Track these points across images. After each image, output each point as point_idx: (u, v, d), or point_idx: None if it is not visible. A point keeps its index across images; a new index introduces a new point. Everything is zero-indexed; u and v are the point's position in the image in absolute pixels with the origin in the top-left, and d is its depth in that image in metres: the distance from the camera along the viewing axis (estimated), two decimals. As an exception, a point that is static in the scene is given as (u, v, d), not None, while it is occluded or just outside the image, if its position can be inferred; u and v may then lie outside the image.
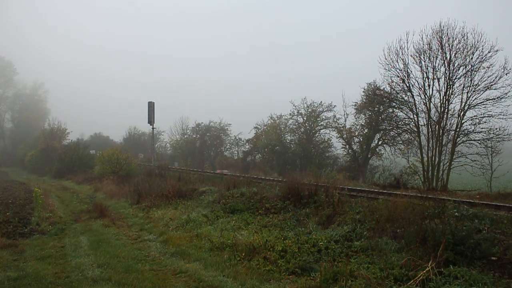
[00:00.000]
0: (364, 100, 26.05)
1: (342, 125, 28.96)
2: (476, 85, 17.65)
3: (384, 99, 23.11)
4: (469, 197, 11.99)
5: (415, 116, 20.07)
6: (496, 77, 17.11)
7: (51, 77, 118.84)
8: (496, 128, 17.83)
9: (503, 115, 17.30)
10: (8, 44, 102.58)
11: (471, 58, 17.55)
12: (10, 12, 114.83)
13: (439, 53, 18.29)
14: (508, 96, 17.04)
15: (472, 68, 17.59)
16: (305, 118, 32.01)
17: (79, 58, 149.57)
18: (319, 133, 32.32)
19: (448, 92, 18.43)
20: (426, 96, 19.13)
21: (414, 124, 20.38)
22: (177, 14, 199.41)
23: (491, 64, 17.22)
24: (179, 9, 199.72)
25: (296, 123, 32.54)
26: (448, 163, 18.58)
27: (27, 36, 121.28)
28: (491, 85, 17.28)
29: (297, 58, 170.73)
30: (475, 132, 18.42)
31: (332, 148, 31.71)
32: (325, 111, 31.32)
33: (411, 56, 19.09)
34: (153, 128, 32.26)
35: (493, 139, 18.04)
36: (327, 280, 6.42)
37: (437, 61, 18.44)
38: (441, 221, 7.74)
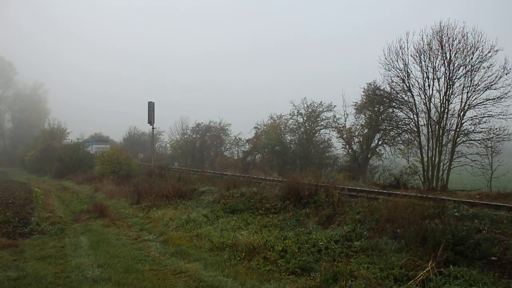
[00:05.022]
0: (364, 100, 26.02)
1: (342, 125, 28.94)
2: (476, 85, 17.67)
3: (384, 99, 23.11)
4: (469, 197, 11.99)
5: (415, 116, 20.08)
6: (496, 77, 17.13)
7: (52, 75, 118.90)
8: (496, 128, 17.83)
9: (503, 115, 17.31)
10: (8, 41, 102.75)
11: (471, 58, 17.56)
12: (12, 8, 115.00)
13: (439, 53, 18.30)
14: (508, 96, 17.05)
15: (472, 68, 17.59)
16: (305, 118, 31.96)
17: (79, 56, 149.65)
18: (319, 133, 32.26)
19: (448, 92, 18.43)
20: (426, 96, 19.15)
21: (414, 124, 20.38)
22: (178, 12, 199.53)
23: (491, 64, 17.24)
24: (180, 8, 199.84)
25: (296, 123, 32.49)
26: (448, 163, 18.58)
27: (29, 33, 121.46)
28: (491, 85, 17.28)
29: (298, 57, 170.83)
30: (475, 132, 18.43)
31: (332, 148, 31.65)
32: (325, 111, 31.26)
33: (411, 56, 19.12)
34: (153, 128, 32.30)
35: (493, 139, 18.02)
36: (327, 280, 6.42)
37: (437, 61, 18.47)
38: (441, 221, 7.73)
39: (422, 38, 18.69)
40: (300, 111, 31.76)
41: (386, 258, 7.12)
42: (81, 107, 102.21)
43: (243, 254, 8.28)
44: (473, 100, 17.89)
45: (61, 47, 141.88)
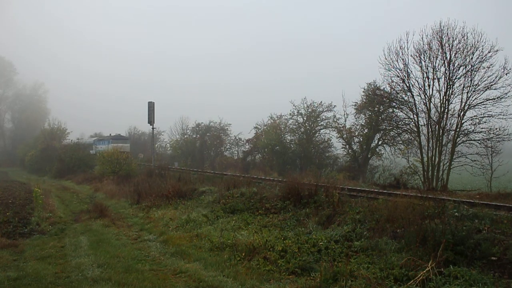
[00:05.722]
0: (364, 100, 26.02)
1: (342, 125, 28.95)
2: (476, 85, 17.65)
3: (384, 99, 23.10)
4: (469, 197, 12.00)
5: (415, 116, 20.07)
6: (496, 77, 17.10)
7: (52, 75, 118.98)
8: (496, 128, 17.81)
9: (503, 115, 17.29)
10: (8, 41, 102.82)
11: (471, 58, 17.54)
12: (12, 8, 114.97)
13: (439, 53, 18.28)
14: (508, 96, 17.03)
15: (472, 68, 17.58)
16: (305, 118, 31.96)
17: (80, 56, 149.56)
18: (319, 133, 32.26)
19: (448, 92, 18.42)
20: (426, 96, 19.13)
21: (414, 124, 20.37)
22: (178, 13, 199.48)
23: (491, 64, 17.21)
24: (180, 8, 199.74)
25: (296, 123, 32.49)
26: (448, 163, 18.57)
27: (29, 33, 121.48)
28: (491, 85, 17.27)
29: (298, 57, 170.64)
30: (475, 132, 18.42)
31: (332, 148, 31.63)
32: (325, 111, 31.26)
33: (411, 56, 19.09)
34: (153, 128, 32.25)
35: (493, 139, 18.01)
36: (327, 280, 6.42)
37: (437, 61, 18.44)
38: (441, 221, 7.73)
39: (422, 38, 18.71)
40: (300, 111, 31.79)
41: (386, 258, 7.12)
42: (81, 107, 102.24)
43: (243, 254, 8.28)
44: (473, 100, 17.90)
45: (61, 47, 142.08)
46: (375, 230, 8.55)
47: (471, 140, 18.58)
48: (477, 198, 11.24)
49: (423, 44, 18.65)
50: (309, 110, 31.60)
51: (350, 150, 28.10)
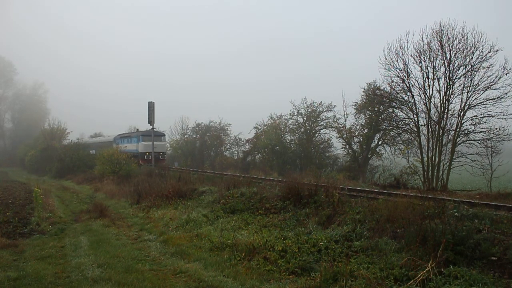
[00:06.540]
0: (364, 100, 26.03)
1: (342, 125, 28.95)
2: (476, 85, 17.66)
3: (384, 99, 23.11)
4: (469, 197, 12.00)
5: (415, 116, 20.08)
6: (496, 77, 17.11)
7: (52, 75, 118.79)
8: (496, 128, 17.82)
9: (503, 115, 17.29)
10: (8, 41, 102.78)
11: (471, 58, 17.55)
12: (12, 8, 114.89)
13: (439, 53, 18.29)
14: (508, 96, 17.03)
15: (472, 68, 17.58)
16: (305, 118, 31.97)
17: (80, 56, 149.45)
18: (319, 133, 32.27)
19: (448, 92, 18.42)
20: (426, 96, 19.14)
21: (414, 124, 20.38)
22: (178, 11, 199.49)
23: (491, 64, 17.22)
24: (181, 6, 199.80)
25: (296, 123, 32.50)
26: (448, 163, 18.57)
27: (29, 33, 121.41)
28: (491, 85, 17.27)
29: (298, 57, 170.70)
30: (475, 132, 18.42)
31: (332, 148, 31.67)
32: (325, 111, 31.27)
33: (411, 56, 19.10)
34: (153, 128, 32.27)
35: (493, 139, 18.02)
36: (327, 280, 6.42)
37: (437, 61, 18.45)
38: (441, 221, 7.74)
39: (422, 38, 18.72)
40: (300, 111, 31.80)
41: (386, 258, 7.11)
42: (81, 107, 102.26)
43: (243, 254, 8.28)
44: (473, 100, 17.91)
45: (62, 47, 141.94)
46: (375, 230, 8.55)
47: (471, 140, 18.59)
48: (477, 198, 11.25)
49: (423, 44, 18.69)
50: (309, 110, 31.62)
51: (350, 150, 28.09)
